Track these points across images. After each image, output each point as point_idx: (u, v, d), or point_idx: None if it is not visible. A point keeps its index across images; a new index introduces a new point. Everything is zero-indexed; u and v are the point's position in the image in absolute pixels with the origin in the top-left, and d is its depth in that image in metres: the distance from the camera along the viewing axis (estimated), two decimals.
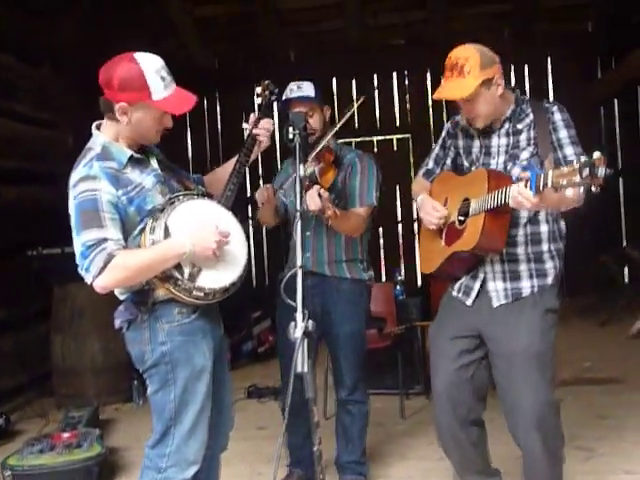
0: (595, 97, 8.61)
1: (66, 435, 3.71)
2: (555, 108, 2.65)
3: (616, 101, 8.60)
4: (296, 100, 3.24)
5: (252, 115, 2.77)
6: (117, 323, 2.48)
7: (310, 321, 2.08)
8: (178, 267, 2.29)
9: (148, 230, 2.29)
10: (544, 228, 2.63)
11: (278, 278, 3.31)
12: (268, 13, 7.82)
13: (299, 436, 3.27)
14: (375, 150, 8.80)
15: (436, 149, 2.91)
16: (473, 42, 2.64)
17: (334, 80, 8.71)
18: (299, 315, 2.10)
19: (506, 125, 2.66)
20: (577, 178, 2.00)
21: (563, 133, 2.60)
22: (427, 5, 7.74)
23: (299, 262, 2.23)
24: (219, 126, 8.99)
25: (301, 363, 2.04)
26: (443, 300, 2.84)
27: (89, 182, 2.27)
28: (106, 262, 2.20)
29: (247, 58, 8.48)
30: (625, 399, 4.55)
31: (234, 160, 2.68)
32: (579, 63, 8.62)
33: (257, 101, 2.90)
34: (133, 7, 7.49)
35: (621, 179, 8.68)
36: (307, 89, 3.28)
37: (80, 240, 2.24)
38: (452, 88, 2.55)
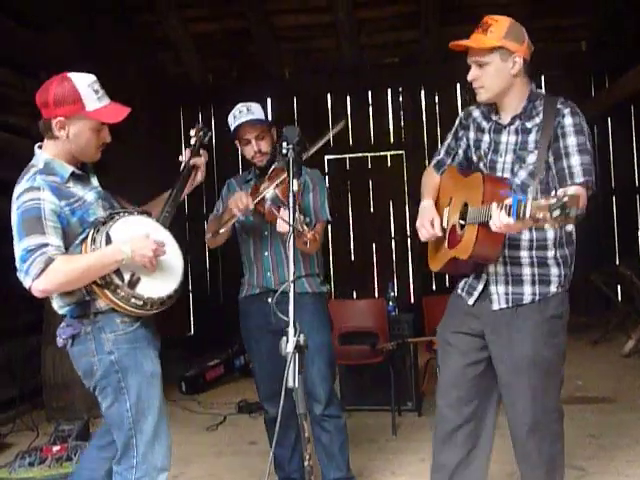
0: (589, 116, 8.64)
1: (56, 448, 3.70)
2: (567, 111, 2.52)
3: (609, 120, 8.66)
4: (248, 124, 3.22)
5: (187, 150, 2.89)
6: (60, 342, 2.47)
7: (302, 335, 2.08)
8: (118, 274, 2.38)
9: (90, 240, 2.37)
10: (550, 234, 2.53)
11: (239, 296, 3.37)
12: (263, 30, 7.89)
13: (287, 449, 3.30)
14: (369, 166, 8.85)
15: (448, 139, 2.81)
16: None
17: (329, 97, 8.78)
18: (291, 330, 2.09)
19: (516, 122, 2.56)
20: (549, 216, 1.94)
21: (572, 140, 2.47)
22: (420, 25, 7.81)
23: (291, 277, 2.24)
24: (213, 140, 9.00)
25: (292, 378, 2.04)
26: (450, 298, 2.78)
27: (33, 192, 2.35)
28: (46, 264, 2.26)
29: (242, 74, 8.53)
30: (617, 418, 4.55)
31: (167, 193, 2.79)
32: (572, 82, 8.66)
33: (192, 141, 3.02)
34: (129, 21, 7.56)
35: (614, 197, 8.74)
36: (257, 112, 3.26)
37: (21, 245, 2.30)
38: (471, 39, 2.50)
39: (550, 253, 2.54)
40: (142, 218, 2.57)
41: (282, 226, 2.89)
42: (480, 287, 2.60)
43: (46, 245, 2.28)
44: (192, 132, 3.05)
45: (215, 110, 8.94)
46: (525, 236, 2.51)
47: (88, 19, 6.45)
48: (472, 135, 2.70)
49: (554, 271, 2.55)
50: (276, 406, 3.18)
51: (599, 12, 7.71)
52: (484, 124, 2.66)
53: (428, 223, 2.61)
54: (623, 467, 3.70)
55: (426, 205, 2.69)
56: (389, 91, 8.75)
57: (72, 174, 2.46)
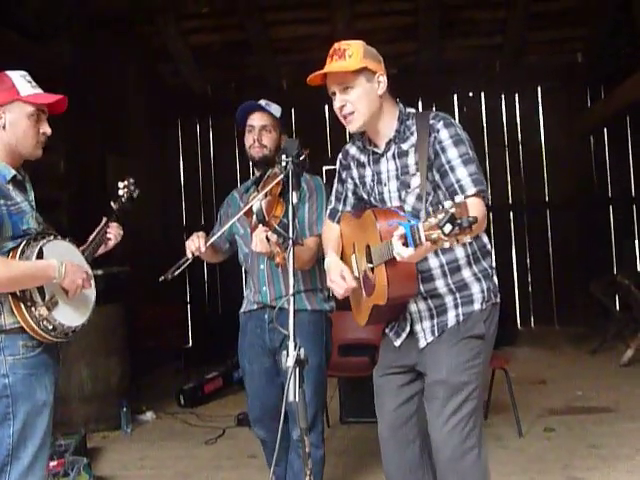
0: (585, 127, 8.71)
1: (53, 464, 3.66)
2: (440, 124, 2.37)
3: (606, 130, 8.69)
4: (259, 111, 3.11)
5: (104, 218, 2.81)
6: None
7: (302, 349, 2.06)
8: (40, 291, 2.37)
9: (19, 251, 2.35)
10: (461, 253, 2.41)
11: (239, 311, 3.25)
12: (262, 41, 7.91)
13: (282, 467, 3.18)
14: None
15: (335, 185, 2.69)
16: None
17: (326, 108, 8.78)
18: (291, 344, 2.08)
19: (392, 147, 2.44)
20: (442, 234, 1.80)
21: (453, 153, 2.32)
22: (418, 36, 7.83)
23: (291, 290, 2.20)
24: (211, 150, 9.03)
25: (293, 392, 2.01)
26: (382, 337, 2.63)
27: None
28: None
29: (240, 86, 8.55)
30: (617, 428, 4.53)
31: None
32: (569, 93, 8.73)
33: (120, 193, 2.93)
34: (129, 32, 7.57)
35: (611, 207, 8.76)
36: (275, 108, 3.16)
37: None
38: (333, 66, 2.35)
39: (466, 273, 2.42)
40: (70, 245, 2.58)
41: (255, 245, 2.73)
42: (407, 328, 2.48)
43: None
44: (120, 184, 2.96)
45: (213, 121, 8.97)
46: (434, 263, 2.40)
47: (88, 30, 6.45)
48: (355, 173, 2.59)
49: (475, 289, 2.42)
50: (264, 428, 3.15)
51: (595, 24, 7.75)
52: (362, 158, 2.55)
53: (339, 278, 2.44)
54: (623, 478, 3.69)
55: (330, 260, 2.54)
56: None
57: (14, 178, 2.44)
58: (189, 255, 2.84)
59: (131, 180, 2.96)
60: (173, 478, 4.12)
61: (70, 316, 2.47)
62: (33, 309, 2.35)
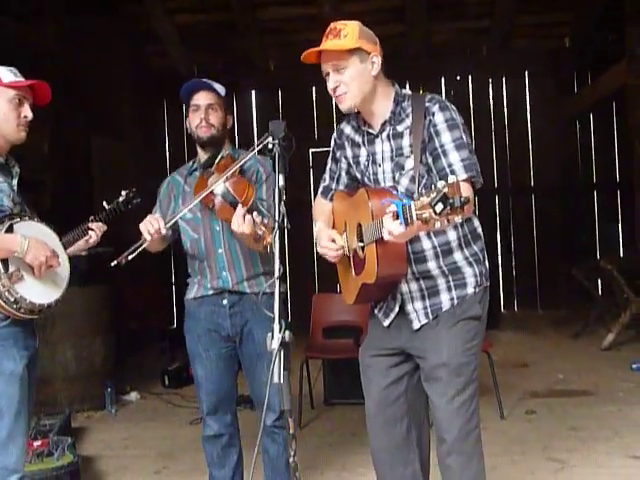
0: (571, 112, 8.74)
1: (37, 443, 3.65)
2: (436, 107, 2.37)
3: (592, 116, 8.72)
4: (203, 89, 2.99)
5: (92, 216, 2.81)
6: None
7: (287, 332, 2.05)
8: (4, 263, 2.39)
9: None
10: (452, 235, 2.42)
11: (185, 297, 3.10)
12: (249, 22, 7.84)
13: (228, 470, 3.07)
14: None
15: (329, 163, 2.69)
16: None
17: (314, 89, 8.75)
18: (276, 326, 2.06)
19: (387, 128, 2.43)
20: (434, 213, 1.82)
21: (446, 137, 2.34)
22: (406, 19, 7.80)
23: (277, 273, 2.16)
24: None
25: (277, 374, 2.01)
26: (369, 317, 2.64)
27: None
28: None
29: (227, 67, 8.49)
30: (597, 411, 4.58)
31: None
32: (556, 78, 8.74)
33: (121, 199, 2.94)
34: (114, 13, 7.48)
35: (595, 193, 8.81)
36: (219, 87, 3.02)
37: None
38: (327, 45, 2.36)
39: (458, 256, 2.43)
40: (47, 228, 2.60)
41: (238, 226, 2.63)
42: (396, 308, 2.47)
43: None
44: (123, 192, 2.97)
45: None
46: (426, 245, 2.40)
47: (72, 11, 6.37)
48: (349, 152, 2.59)
49: (468, 272, 2.44)
50: (219, 422, 3.02)
51: (582, 9, 7.74)
52: (357, 138, 2.55)
53: (328, 242, 2.46)
54: (603, 459, 3.73)
55: (319, 228, 2.55)
56: None
57: None
58: (147, 237, 2.73)
59: (133, 189, 2.97)
60: (157, 458, 4.13)
61: (36, 293, 2.46)
62: None
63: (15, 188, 2.57)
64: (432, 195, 1.84)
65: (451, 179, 1.85)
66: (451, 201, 1.80)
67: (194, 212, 2.97)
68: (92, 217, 2.82)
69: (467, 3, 7.71)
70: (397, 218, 1.96)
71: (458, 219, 1.85)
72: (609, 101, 8.11)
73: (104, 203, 2.90)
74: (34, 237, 2.46)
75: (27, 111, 2.55)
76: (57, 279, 2.56)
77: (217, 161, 2.95)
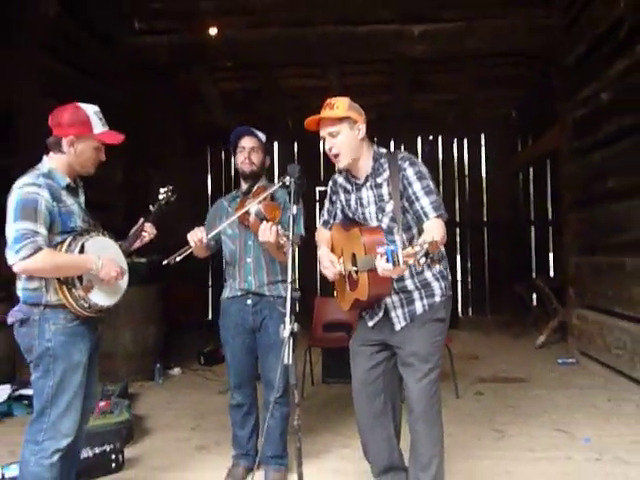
0: (516, 166, 8.79)
1: (102, 404, 3.66)
2: (407, 164, 2.40)
3: (531, 169, 8.76)
4: (248, 135, 2.99)
5: (141, 218, 2.70)
6: (9, 320, 2.36)
7: (295, 324, 2.06)
8: (79, 278, 2.32)
9: (66, 245, 2.30)
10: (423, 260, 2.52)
11: (221, 297, 3.08)
12: (273, 90, 7.92)
13: (247, 431, 3.08)
14: None
15: (327, 204, 2.70)
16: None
17: (321, 143, 8.76)
18: (287, 319, 2.08)
19: (370, 180, 2.46)
20: (418, 263, 1.91)
21: (417, 186, 2.36)
22: (392, 91, 7.87)
23: (289, 278, 2.19)
24: (232, 172, 9.04)
25: (287, 357, 2.03)
26: (358, 318, 2.65)
27: (34, 187, 2.27)
28: (34, 251, 2.19)
29: (256, 122, 8.49)
30: (530, 394, 4.57)
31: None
32: (505, 140, 8.80)
33: (160, 197, 2.80)
34: (172, 79, 7.56)
35: (533, 227, 8.82)
36: (261, 134, 3.03)
37: (15, 226, 2.22)
38: (324, 114, 2.40)
39: (428, 274, 2.46)
40: (110, 240, 2.50)
41: (263, 236, 2.66)
42: (381, 314, 2.50)
43: (37, 234, 2.20)
44: (162, 190, 2.84)
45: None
46: None
47: (139, 76, 6.44)
48: (342, 197, 2.60)
49: (436, 285, 2.47)
50: (242, 394, 3.04)
51: (525, 88, 7.81)
52: (348, 186, 2.56)
53: (329, 263, 2.48)
54: (534, 430, 3.72)
55: (323, 252, 2.56)
56: None
57: (67, 185, 2.38)
58: (192, 244, 2.75)
59: (170, 187, 2.84)
60: (192, 418, 4.12)
61: (102, 298, 2.40)
62: (73, 290, 2.30)
63: (83, 206, 2.47)
64: (417, 249, 1.92)
65: (431, 238, 1.93)
66: (431, 255, 1.91)
67: (234, 229, 3.00)
68: (142, 219, 2.70)
69: (438, 81, 7.78)
70: (387, 260, 2.01)
71: (436, 267, 1.97)
72: (545, 158, 8.15)
73: (150, 207, 2.78)
74: (103, 253, 2.37)
75: (102, 156, 2.48)
76: (118, 286, 2.49)
77: (254, 190, 2.97)
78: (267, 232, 2.65)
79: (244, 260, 2.99)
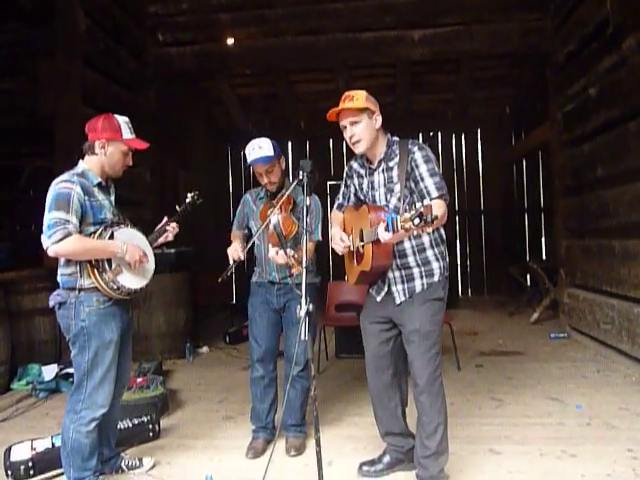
0: (510, 158, 8.69)
1: (139, 380, 3.69)
2: (415, 148, 2.40)
3: (524, 161, 8.66)
4: (259, 163, 2.93)
5: (165, 217, 2.75)
6: (50, 303, 2.44)
7: (310, 304, 2.08)
8: (109, 262, 2.38)
9: (97, 234, 2.38)
10: (426, 238, 2.43)
11: (251, 279, 3.12)
12: (287, 94, 7.88)
13: (266, 404, 3.06)
14: None
15: (342, 188, 2.70)
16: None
17: (330, 141, 8.78)
18: (303, 300, 2.09)
19: (382, 164, 2.46)
20: (413, 225, 1.87)
21: (423, 168, 2.36)
22: (395, 92, 7.80)
23: (304, 264, 2.22)
24: (251, 170, 9.04)
25: (304, 333, 2.05)
26: (366, 295, 2.65)
27: (69, 183, 2.36)
28: (64, 236, 2.26)
29: (272, 124, 8.53)
30: (525, 366, 4.54)
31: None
32: (500, 135, 8.70)
33: (187, 200, 2.85)
34: (195, 85, 7.55)
35: (526, 215, 8.73)
36: (266, 147, 2.93)
37: (50, 215, 2.30)
38: (345, 105, 2.38)
39: (429, 252, 2.44)
40: (138, 232, 2.56)
41: (273, 258, 2.75)
42: (386, 288, 2.49)
43: (68, 222, 2.27)
44: (189, 194, 2.88)
45: None
46: (407, 245, 2.42)
47: (166, 84, 6.44)
48: (356, 181, 2.60)
49: (435, 265, 2.44)
50: (264, 367, 3.04)
51: (519, 87, 7.70)
52: (362, 171, 2.57)
53: (339, 240, 2.48)
54: (529, 399, 3.70)
55: (335, 231, 2.57)
56: None
57: (99, 184, 2.46)
58: (232, 262, 2.81)
59: (197, 192, 2.90)
60: (220, 392, 4.15)
61: (131, 281, 2.45)
62: (104, 274, 2.37)
63: (113, 203, 2.54)
64: (412, 212, 1.87)
65: (426, 202, 1.88)
66: (425, 217, 1.84)
67: (258, 227, 3.00)
68: (166, 218, 2.75)
69: (438, 82, 7.70)
70: (387, 227, 2.00)
71: (429, 229, 1.88)
72: (537, 151, 8.05)
73: (176, 207, 2.83)
74: (130, 241, 2.44)
75: (130, 161, 2.55)
76: (146, 270, 2.54)
77: (278, 196, 2.95)
78: (276, 257, 2.72)
79: (268, 258, 3.00)
